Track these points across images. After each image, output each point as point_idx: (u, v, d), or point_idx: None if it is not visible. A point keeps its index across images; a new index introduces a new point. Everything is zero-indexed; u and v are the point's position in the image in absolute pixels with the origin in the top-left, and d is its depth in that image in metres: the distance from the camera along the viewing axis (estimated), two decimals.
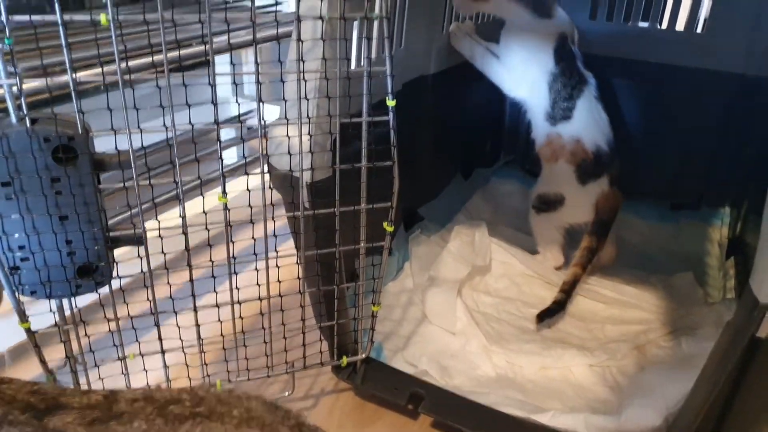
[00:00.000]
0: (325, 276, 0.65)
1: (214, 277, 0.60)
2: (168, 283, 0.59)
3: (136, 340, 0.63)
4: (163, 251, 0.57)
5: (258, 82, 0.53)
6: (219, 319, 0.63)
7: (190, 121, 0.53)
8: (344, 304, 0.68)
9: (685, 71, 1.14)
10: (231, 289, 0.61)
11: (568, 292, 0.94)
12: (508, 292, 1.00)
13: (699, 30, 1.11)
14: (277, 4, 1.30)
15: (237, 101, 1.17)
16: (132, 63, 0.78)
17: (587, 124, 0.99)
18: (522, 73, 1.01)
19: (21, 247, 0.53)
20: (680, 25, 1.13)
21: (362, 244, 0.64)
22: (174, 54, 0.75)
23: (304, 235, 0.61)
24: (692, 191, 1.22)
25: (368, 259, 0.67)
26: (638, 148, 1.18)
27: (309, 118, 0.57)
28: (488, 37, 1.06)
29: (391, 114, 0.58)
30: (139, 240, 0.57)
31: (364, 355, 0.72)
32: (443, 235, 1.09)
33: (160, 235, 0.56)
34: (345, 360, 0.70)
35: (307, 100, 0.56)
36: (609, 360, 0.83)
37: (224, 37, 0.74)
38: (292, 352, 0.68)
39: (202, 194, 0.57)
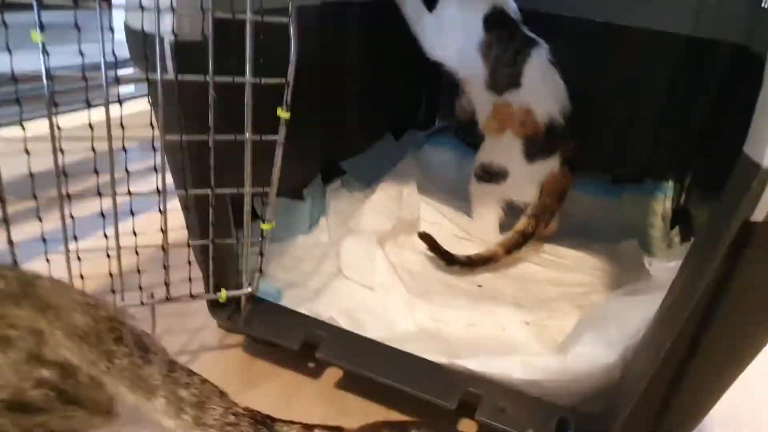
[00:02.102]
0: (196, 173, 0.49)
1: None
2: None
3: None
4: None
5: None
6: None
7: None
8: (225, 219, 0.53)
9: (630, 31, 1.07)
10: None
11: (476, 263, 0.82)
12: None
13: None
14: None
15: None
16: None
17: (539, 91, 0.88)
18: (448, 37, 0.90)
19: None
20: None
21: (247, 134, 0.50)
22: None
23: (165, 112, 0.46)
24: (635, 164, 1.14)
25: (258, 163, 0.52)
26: (579, 118, 1.09)
27: None
28: None
29: None
30: None
31: (249, 290, 0.56)
32: (367, 193, 0.95)
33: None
34: (224, 294, 0.55)
35: None
36: (548, 318, 0.71)
37: None
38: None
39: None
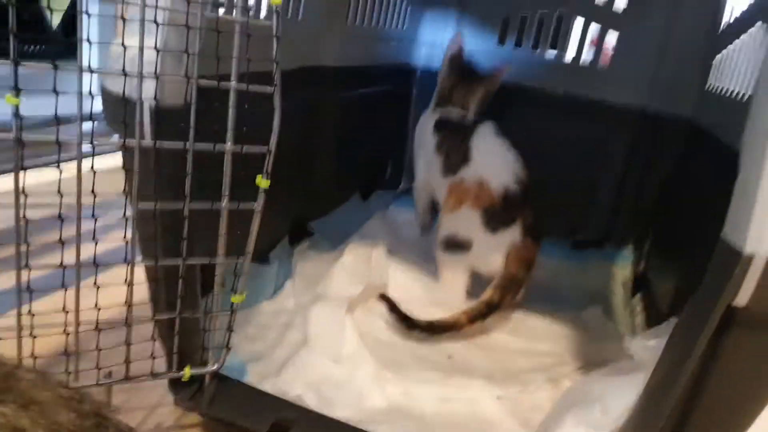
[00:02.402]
0: (168, 243, 0.47)
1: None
2: None
3: None
4: None
5: None
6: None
7: None
8: (194, 290, 0.50)
9: (589, 104, 1.12)
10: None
11: (437, 329, 0.80)
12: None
13: (603, 62, 1.11)
14: None
15: None
16: None
17: (489, 163, 0.91)
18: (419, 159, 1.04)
19: None
20: (585, 54, 1.11)
21: (224, 203, 0.48)
22: None
23: (140, 179, 0.44)
24: (596, 230, 1.17)
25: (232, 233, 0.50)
26: (542, 185, 1.12)
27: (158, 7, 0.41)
28: None
29: (275, 16, 0.44)
30: None
31: (216, 366, 0.53)
32: (335, 255, 0.93)
33: None
34: (188, 371, 0.51)
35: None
36: (521, 392, 0.70)
37: None
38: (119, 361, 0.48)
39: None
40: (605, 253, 1.13)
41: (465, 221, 0.89)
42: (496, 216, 0.87)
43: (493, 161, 0.92)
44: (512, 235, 0.87)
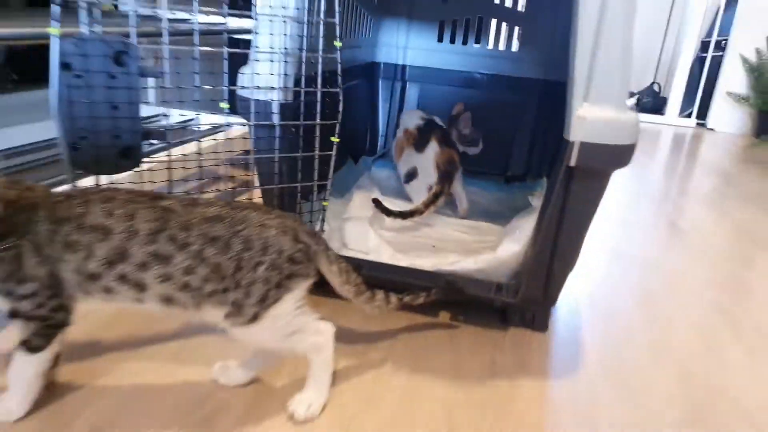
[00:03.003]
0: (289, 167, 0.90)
1: None
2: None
3: None
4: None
5: None
6: None
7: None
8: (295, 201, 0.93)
9: (508, 79, 1.59)
10: None
11: (406, 215, 1.27)
12: (402, 226, 1.30)
13: (514, 49, 1.58)
14: None
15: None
16: None
17: (405, 120, 1.48)
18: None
19: (82, 129, 0.72)
20: (501, 46, 1.59)
21: (316, 152, 0.91)
22: None
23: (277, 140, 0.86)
24: (519, 168, 1.66)
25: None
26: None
27: (285, 51, 0.83)
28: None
29: (338, 53, 0.87)
30: (161, 135, 0.78)
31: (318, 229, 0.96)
32: (342, 202, 1.37)
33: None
34: None
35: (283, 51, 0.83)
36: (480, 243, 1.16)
37: None
38: None
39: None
40: (527, 185, 1.62)
41: (407, 157, 1.40)
42: (419, 141, 1.38)
43: (406, 118, 1.45)
44: (432, 148, 1.37)
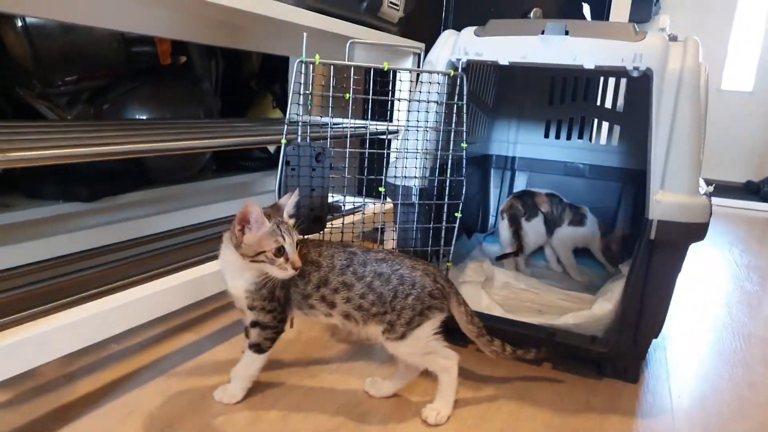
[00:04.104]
0: (423, 235, 1.18)
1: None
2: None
3: None
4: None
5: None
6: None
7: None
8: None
9: (607, 168, 1.81)
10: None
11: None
12: (509, 292, 1.53)
13: (614, 143, 1.81)
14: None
15: None
16: None
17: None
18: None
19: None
20: (603, 141, 1.82)
21: (443, 224, 1.19)
22: None
23: (416, 214, 1.16)
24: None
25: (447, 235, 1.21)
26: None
27: (425, 151, 1.15)
28: None
29: (463, 152, 1.17)
30: (338, 209, 1.10)
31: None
32: (458, 269, 1.63)
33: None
34: None
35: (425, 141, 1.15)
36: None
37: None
38: None
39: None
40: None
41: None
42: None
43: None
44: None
